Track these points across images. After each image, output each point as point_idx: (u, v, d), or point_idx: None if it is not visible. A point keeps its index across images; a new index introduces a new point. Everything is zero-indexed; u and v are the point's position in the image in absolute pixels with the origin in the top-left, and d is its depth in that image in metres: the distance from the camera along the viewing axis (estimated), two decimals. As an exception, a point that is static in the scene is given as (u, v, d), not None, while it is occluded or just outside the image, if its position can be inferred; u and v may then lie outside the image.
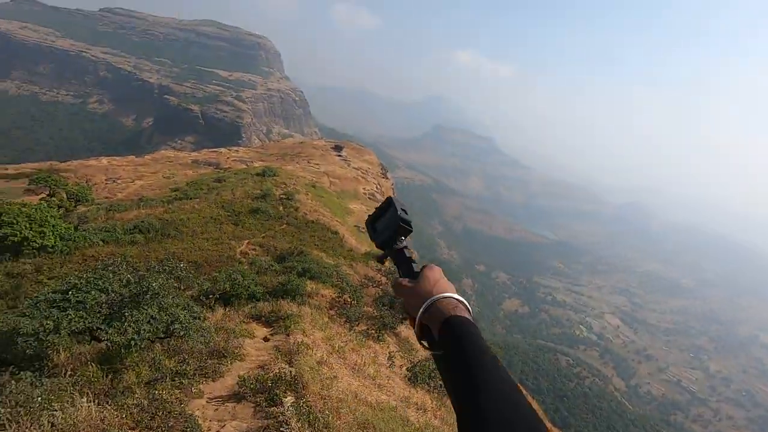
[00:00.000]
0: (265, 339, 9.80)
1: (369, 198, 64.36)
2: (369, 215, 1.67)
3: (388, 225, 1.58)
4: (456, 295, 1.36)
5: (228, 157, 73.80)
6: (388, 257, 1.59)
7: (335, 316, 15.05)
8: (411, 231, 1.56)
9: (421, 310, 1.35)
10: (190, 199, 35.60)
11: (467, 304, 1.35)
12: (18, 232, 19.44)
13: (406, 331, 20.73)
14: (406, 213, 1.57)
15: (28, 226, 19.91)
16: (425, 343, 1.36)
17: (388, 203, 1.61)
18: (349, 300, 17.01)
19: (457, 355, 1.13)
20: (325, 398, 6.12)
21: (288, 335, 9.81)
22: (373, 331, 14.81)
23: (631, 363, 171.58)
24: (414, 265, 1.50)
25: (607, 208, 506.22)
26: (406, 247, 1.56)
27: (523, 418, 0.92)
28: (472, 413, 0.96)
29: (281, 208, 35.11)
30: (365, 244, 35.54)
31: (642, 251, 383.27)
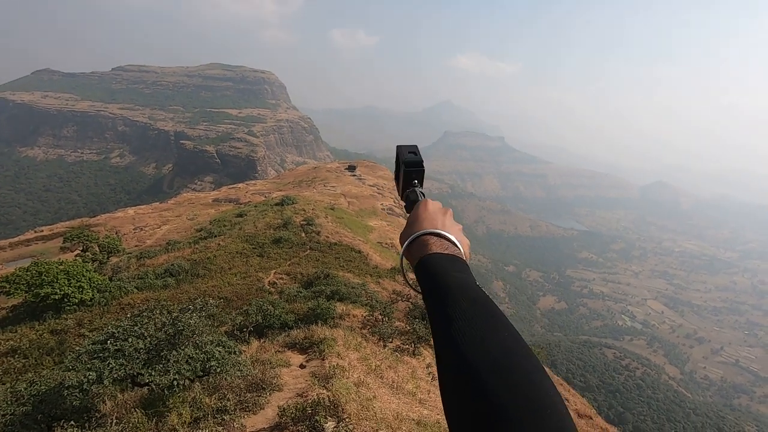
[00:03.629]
0: (301, 366, 9.81)
1: (388, 213, 64.46)
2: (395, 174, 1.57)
3: (400, 178, 1.48)
4: (431, 230, 1.12)
5: (246, 192, 75.42)
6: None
7: (368, 335, 14.96)
8: (423, 170, 1.46)
9: (401, 259, 1.16)
10: (215, 236, 36.42)
11: (447, 234, 1.11)
12: (58, 290, 20.31)
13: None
14: (416, 154, 1.48)
15: (67, 282, 20.78)
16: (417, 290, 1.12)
17: (396, 155, 1.52)
18: (380, 317, 16.90)
19: (426, 300, 0.92)
20: (365, 420, 6.05)
21: (323, 360, 9.79)
22: (408, 346, 14.64)
23: (683, 348, 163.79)
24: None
25: (632, 192, 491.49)
26: (413, 191, 1.45)
27: (512, 361, 0.67)
28: (444, 360, 0.73)
29: (303, 235, 35.52)
30: (390, 260, 35.43)
31: (675, 231, 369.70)
